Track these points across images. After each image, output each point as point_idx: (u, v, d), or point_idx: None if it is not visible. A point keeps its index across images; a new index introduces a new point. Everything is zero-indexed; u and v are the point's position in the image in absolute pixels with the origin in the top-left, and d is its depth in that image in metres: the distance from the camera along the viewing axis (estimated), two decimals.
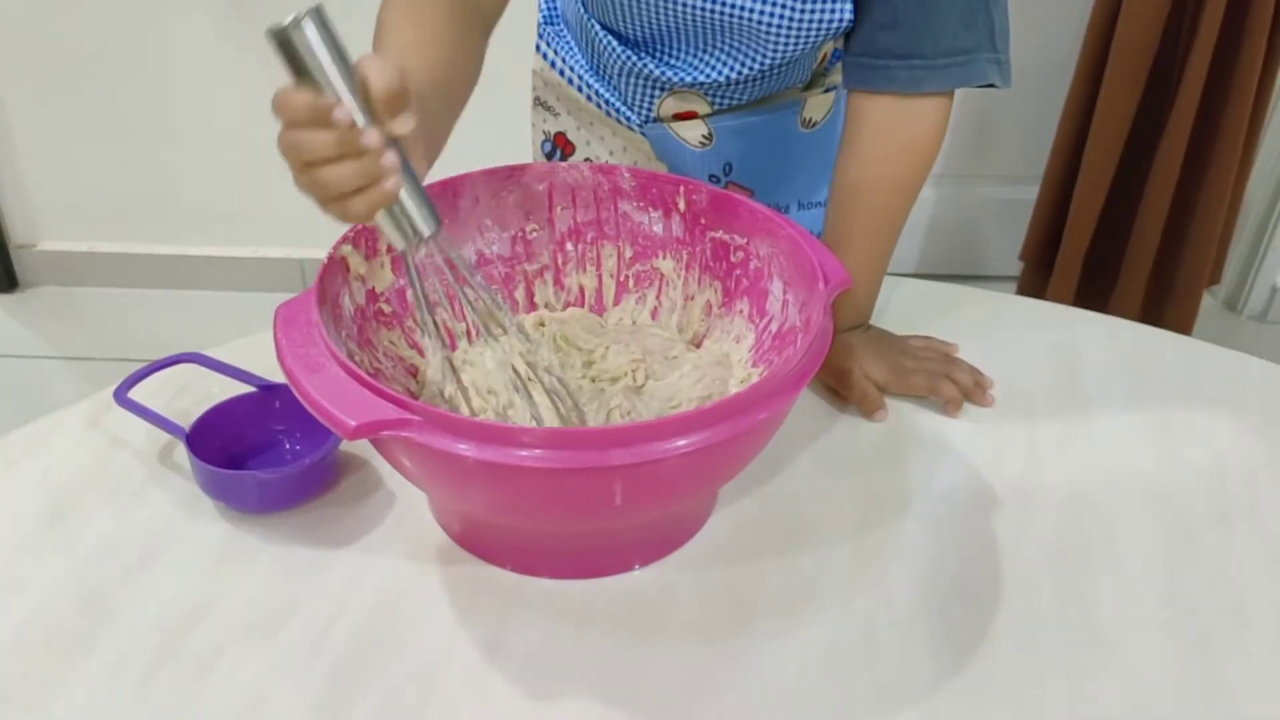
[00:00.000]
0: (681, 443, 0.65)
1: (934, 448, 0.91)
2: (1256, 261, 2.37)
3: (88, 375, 2.17)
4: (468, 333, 0.84)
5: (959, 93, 0.92)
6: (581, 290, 0.95)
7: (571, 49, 1.09)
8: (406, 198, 0.65)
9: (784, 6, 0.92)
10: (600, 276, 0.94)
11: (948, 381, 0.94)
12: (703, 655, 0.73)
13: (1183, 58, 1.97)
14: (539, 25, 1.12)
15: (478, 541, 0.80)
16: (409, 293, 0.73)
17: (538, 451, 0.64)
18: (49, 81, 2.23)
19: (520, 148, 1.21)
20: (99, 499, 0.83)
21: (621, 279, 0.94)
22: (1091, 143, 2.05)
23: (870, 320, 1.00)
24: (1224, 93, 1.97)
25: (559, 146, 1.15)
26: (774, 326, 0.86)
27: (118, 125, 2.28)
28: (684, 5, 0.94)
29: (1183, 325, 2.17)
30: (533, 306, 0.93)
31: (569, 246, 0.93)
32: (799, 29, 0.93)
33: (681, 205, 0.90)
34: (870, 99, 0.92)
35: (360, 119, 0.61)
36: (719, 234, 0.89)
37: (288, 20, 0.58)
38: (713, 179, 1.09)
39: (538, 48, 1.12)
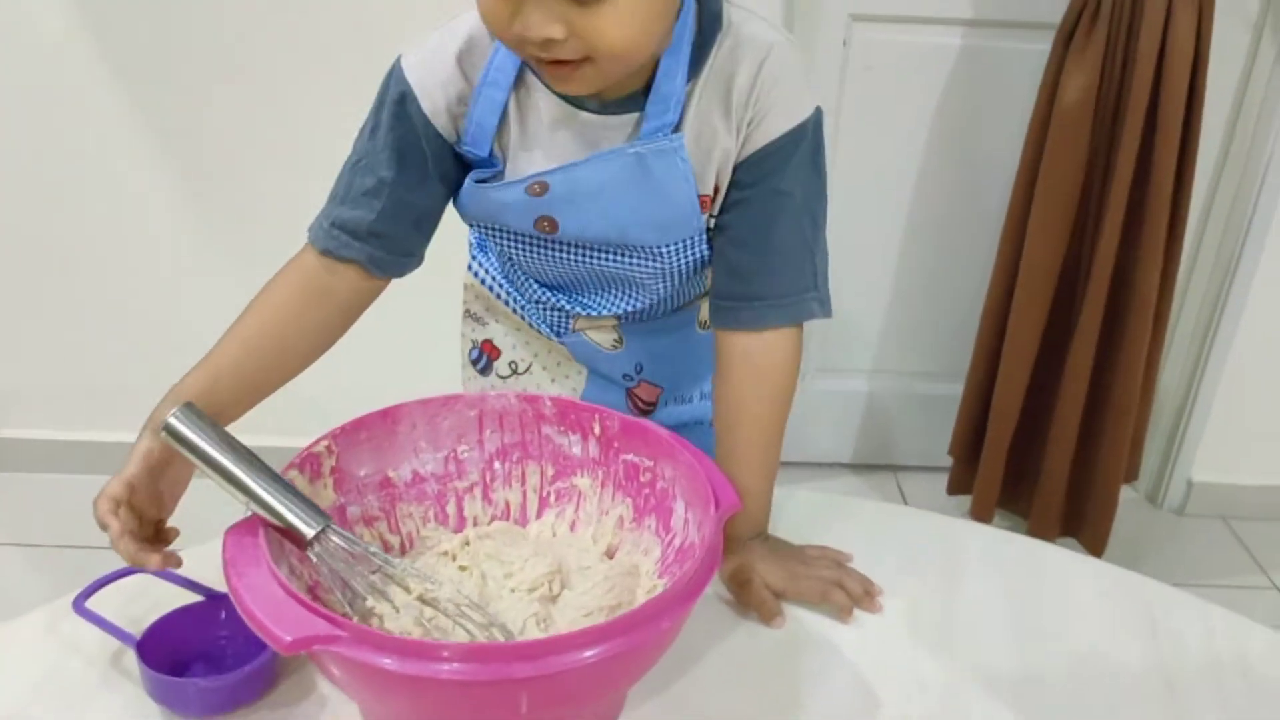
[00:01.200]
0: (589, 654, 0.74)
1: (827, 653, 0.99)
2: (1172, 457, 2.50)
3: (46, 564, 2.21)
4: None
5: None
6: (508, 504, 1.05)
7: (498, 271, 1.25)
8: (282, 510, 0.84)
9: (649, 258, 1.08)
10: (525, 492, 1.04)
11: (838, 589, 1.03)
12: None
13: (1087, 268, 2.11)
14: (471, 248, 1.28)
15: None
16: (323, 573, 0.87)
17: (456, 665, 0.72)
18: (4, 270, 2.31)
19: (450, 356, 1.36)
20: (55, 705, 0.89)
21: (544, 494, 1.04)
22: (1007, 348, 2.20)
23: (768, 526, 1.09)
24: (1127, 301, 2.11)
25: (485, 353, 1.30)
26: (677, 542, 0.95)
27: (76, 314, 2.37)
28: (581, 261, 1.11)
29: (1103, 519, 2.26)
30: (462, 520, 1.03)
31: (497, 465, 1.04)
32: (667, 271, 1.10)
33: (597, 430, 1.01)
34: (728, 335, 1.07)
35: (240, 473, 0.84)
36: (630, 456, 1.00)
37: (169, 417, 0.85)
38: (626, 377, 1.24)
39: (470, 266, 1.28)
